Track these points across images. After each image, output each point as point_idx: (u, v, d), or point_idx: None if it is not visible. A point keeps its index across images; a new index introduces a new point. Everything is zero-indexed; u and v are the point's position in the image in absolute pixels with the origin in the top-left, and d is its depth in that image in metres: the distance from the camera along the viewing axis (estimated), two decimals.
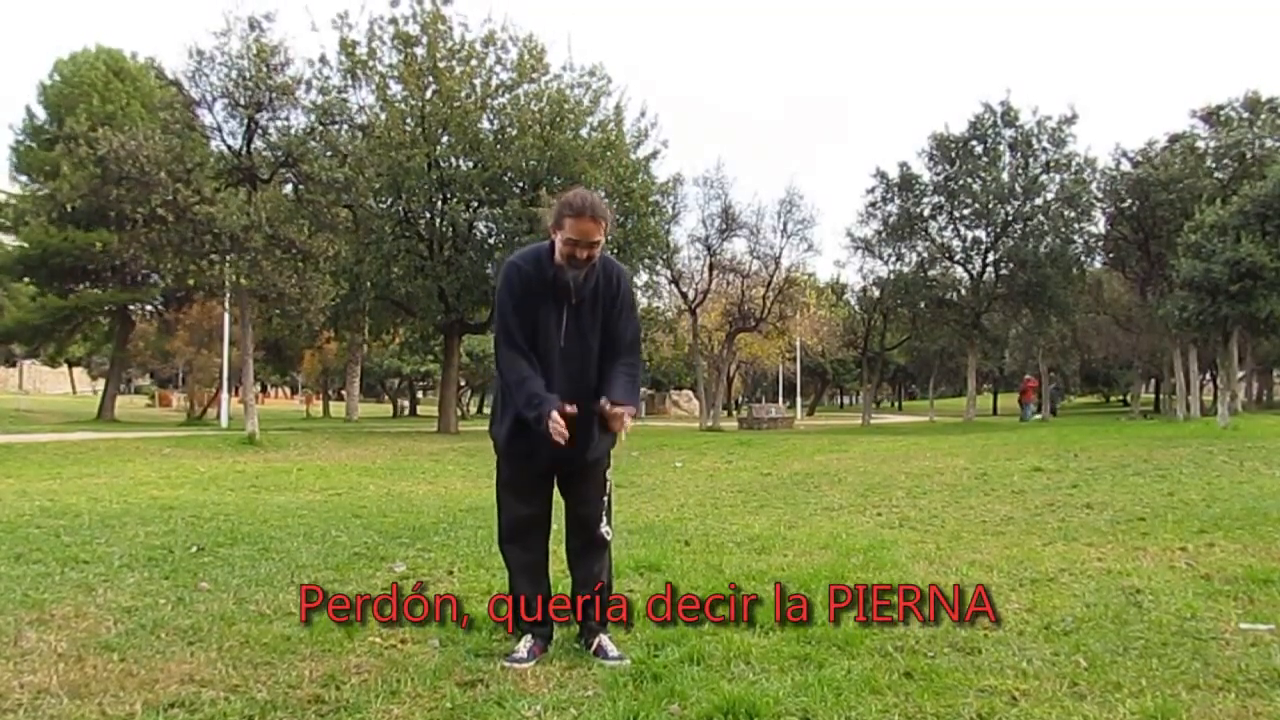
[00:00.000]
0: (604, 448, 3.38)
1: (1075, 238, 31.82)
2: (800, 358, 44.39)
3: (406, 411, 50.84)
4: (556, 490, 3.44)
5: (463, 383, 43.46)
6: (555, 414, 3.00)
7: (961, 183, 32.30)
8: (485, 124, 22.62)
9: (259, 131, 17.43)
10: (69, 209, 21.35)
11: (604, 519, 3.40)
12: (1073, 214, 31.41)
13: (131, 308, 30.87)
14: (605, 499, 3.41)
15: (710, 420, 29.40)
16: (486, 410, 53.93)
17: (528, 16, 65.43)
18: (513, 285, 3.22)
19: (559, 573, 3.65)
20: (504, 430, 3.32)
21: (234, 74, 16.69)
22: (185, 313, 28.66)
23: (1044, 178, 31.71)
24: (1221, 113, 29.50)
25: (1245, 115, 28.97)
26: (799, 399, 50.84)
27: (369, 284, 22.38)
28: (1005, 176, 31.68)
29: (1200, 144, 29.13)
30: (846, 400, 73.92)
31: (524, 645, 3.24)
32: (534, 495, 3.36)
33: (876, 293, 34.65)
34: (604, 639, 3.31)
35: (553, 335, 3.22)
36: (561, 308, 3.23)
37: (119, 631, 3.51)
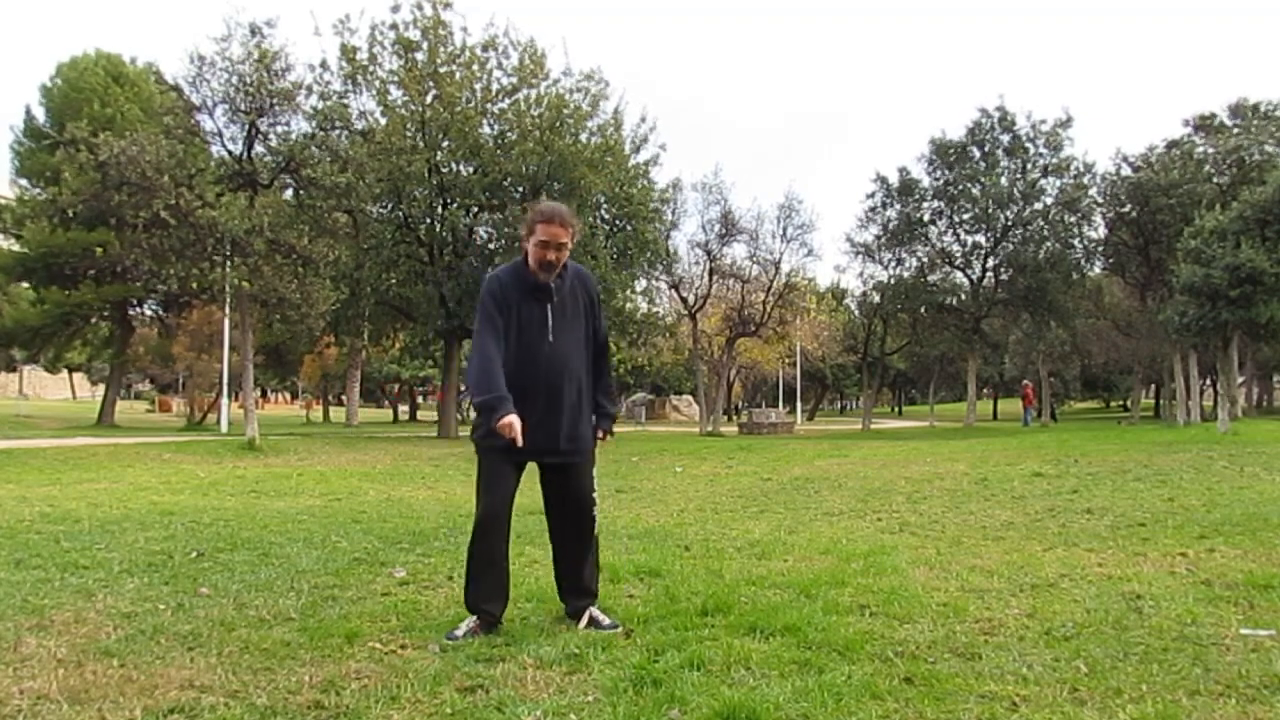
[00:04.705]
0: (587, 444, 3.67)
1: (1075, 242, 31.89)
2: (800, 363, 44.38)
3: (407, 416, 50.83)
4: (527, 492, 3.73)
5: (463, 388, 43.38)
6: (515, 421, 3.29)
7: (961, 188, 32.35)
8: (485, 129, 22.62)
9: (260, 137, 17.44)
10: (70, 214, 21.33)
11: (592, 502, 3.69)
12: (1072, 219, 31.48)
13: (131, 312, 30.84)
14: (591, 492, 3.70)
15: (710, 425, 29.40)
16: None
17: (528, 19, 65.44)
18: (494, 291, 3.53)
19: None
20: (487, 422, 3.48)
21: (235, 79, 16.71)
22: (185, 318, 28.64)
23: (1043, 182, 31.76)
24: (1215, 120, 29.59)
25: (1236, 122, 29.06)
26: (799, 404, 50.84)
27: (369, 289, 22.39)
28: (1004, 181, 31.72)
29: (1199, 150, 29.18)
30: (846, 405, 73.92)
31: (465, 625, 3.47)
32: (500, 488, 3.54)
33: (876, 298, 34.66)
34: (595, 610, 3.56)
35: (541, 333, 3.51)
36: (545, 308, 3.53)
37: (119, 637, 3.50)
